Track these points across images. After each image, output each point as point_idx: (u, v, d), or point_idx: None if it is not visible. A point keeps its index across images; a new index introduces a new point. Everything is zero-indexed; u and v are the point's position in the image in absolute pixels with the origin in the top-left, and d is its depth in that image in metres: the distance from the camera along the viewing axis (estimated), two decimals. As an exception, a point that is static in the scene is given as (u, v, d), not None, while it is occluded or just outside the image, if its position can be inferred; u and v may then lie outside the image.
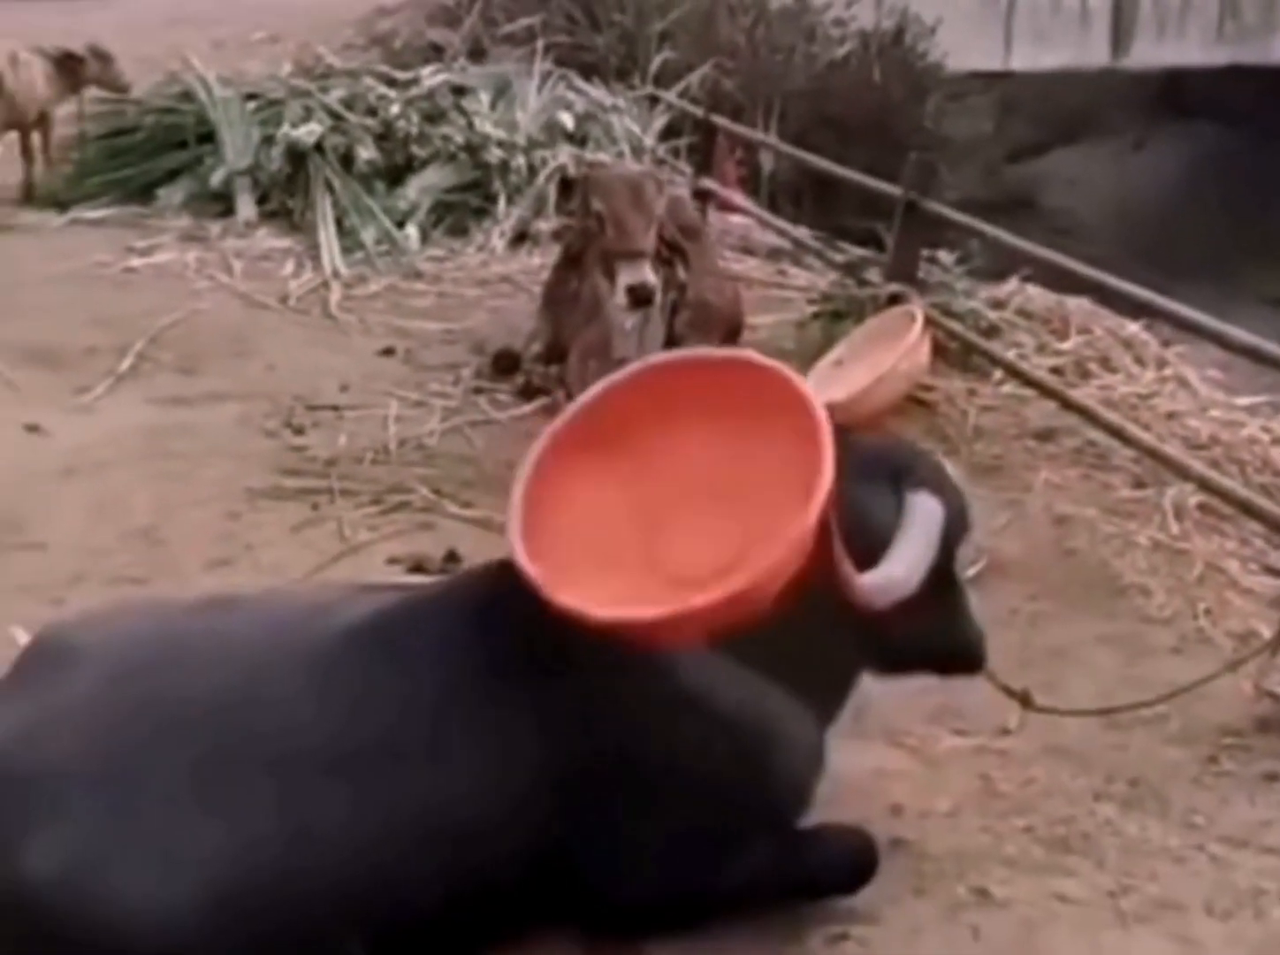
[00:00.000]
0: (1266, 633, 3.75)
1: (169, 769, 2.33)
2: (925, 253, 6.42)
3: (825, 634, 2.65)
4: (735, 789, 2.57)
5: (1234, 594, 4.21)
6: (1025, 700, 3.12)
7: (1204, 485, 4.72)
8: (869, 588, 2.58)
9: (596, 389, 2.73)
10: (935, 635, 2.87)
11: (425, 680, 2.47)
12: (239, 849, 2.30)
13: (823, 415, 2.48)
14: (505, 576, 2.52)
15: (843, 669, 2.79)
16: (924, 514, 2.75)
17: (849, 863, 2.71)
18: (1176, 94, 21.85)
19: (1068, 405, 5.37)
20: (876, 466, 2.82)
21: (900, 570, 2.65)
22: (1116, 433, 5.07)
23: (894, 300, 5.94)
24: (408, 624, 2.56)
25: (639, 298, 4.97)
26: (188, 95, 8.96)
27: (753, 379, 2.62)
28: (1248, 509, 4.61)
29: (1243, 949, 2.64)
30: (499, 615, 2.53)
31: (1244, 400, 5.99)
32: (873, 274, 6.44)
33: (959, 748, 3.33)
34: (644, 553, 2.52)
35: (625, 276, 4.94)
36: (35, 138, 8.60)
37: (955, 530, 2.85)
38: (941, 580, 2.82)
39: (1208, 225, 19.48)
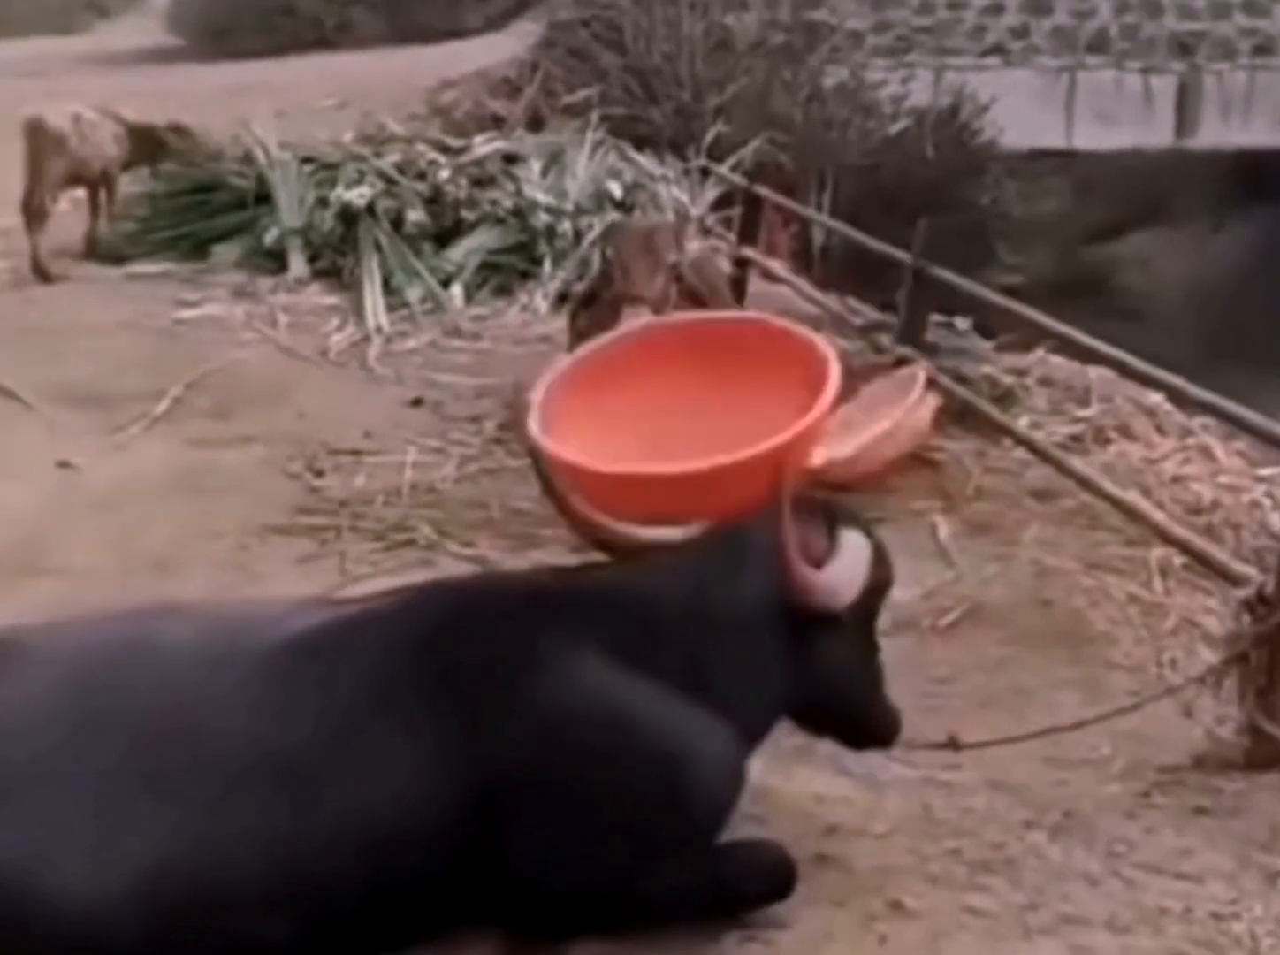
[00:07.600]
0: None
1: (106, 769, 2.49)
2: (940, 319, 6.56)
3: (754, 663, 2.83)
4: (649, 802, 2.69)
5: (1204, 646, 4.29)
6: (953, 744, 3.30)
7: (1183, 548, 4.78)
8: (809, 578, 2.80)
9: (605, 339, 3.24)
10: (851, 702, 3.02)
11: (354, 691, 2.64)
12: (170, 846, 2.46)
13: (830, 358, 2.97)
14: (437, 597, 2.78)
15: (769, 698, 2.92)
16: (854, 548, 2.96)
17: (764, 877, 2.82)
18: (1248, 176, 21.86)
19: (1061, 468, 5.45)
20: (814, 508, 3.00)
21: (834, 578, 2.86)
22: (1102, 494, 5.13)
23: (901, 363, 6.09)
24: (343, 638, 2.73)
25: None
26: (248, 158, 9.33)
27: (764, 335, 3.12)
28: (1224, 573, 4.67)
29: (1136, 963, 2.73)
30: (429, 633, 2.73)
31: (1266, 471, 6.04)
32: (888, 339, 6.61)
33: (905, 778, 3.43)
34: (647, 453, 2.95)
35: (627, 321, 5.18)
36: (101, 194, 8.98)
37: (878, 581, 3.01)
38: (862, 638, 3.01)
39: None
